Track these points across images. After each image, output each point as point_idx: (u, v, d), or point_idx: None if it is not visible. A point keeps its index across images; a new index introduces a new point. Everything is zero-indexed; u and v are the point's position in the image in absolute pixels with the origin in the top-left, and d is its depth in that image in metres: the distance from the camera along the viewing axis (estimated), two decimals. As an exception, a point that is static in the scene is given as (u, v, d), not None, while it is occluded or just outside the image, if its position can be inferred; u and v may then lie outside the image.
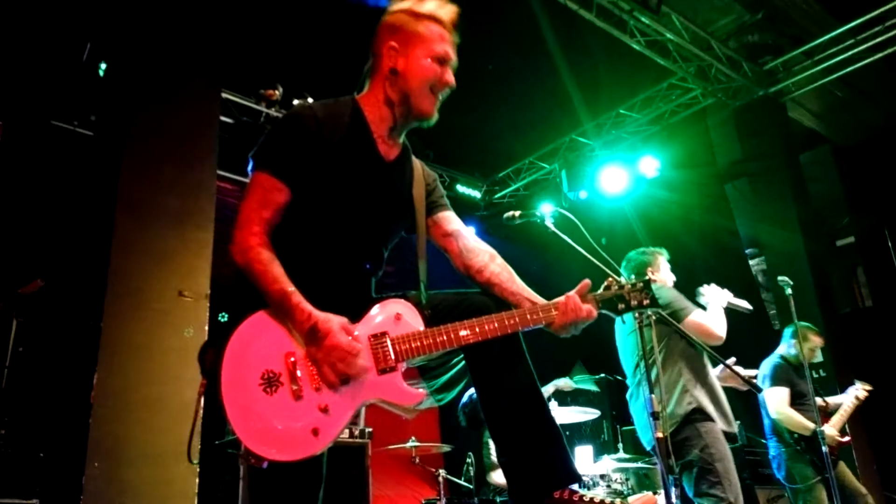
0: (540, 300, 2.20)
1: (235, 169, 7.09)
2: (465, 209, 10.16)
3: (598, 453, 6.23)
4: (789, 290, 5.06)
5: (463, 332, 2.05)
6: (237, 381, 1.91)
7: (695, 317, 4.00)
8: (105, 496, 4.14)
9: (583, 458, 6.18)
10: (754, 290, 8.82)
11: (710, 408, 3.80)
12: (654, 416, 2.62)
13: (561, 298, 2.15)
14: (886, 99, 8.70)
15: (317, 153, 2.10)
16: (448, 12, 2.23)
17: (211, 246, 4.93)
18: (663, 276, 4.40)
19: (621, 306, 2.17)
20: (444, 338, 2.05)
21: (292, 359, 1.96)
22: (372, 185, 2.20)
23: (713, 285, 4.33)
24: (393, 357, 2.03)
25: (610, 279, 2.22)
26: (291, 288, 1.98)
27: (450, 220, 2.38)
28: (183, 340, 4.60)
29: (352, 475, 5.43)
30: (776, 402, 5.46)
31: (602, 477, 5.33)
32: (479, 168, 10.23)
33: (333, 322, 1.97)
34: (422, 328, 2.08)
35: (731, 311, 4.24)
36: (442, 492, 5.61)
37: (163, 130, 5.08)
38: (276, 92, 7.51)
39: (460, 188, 10.03)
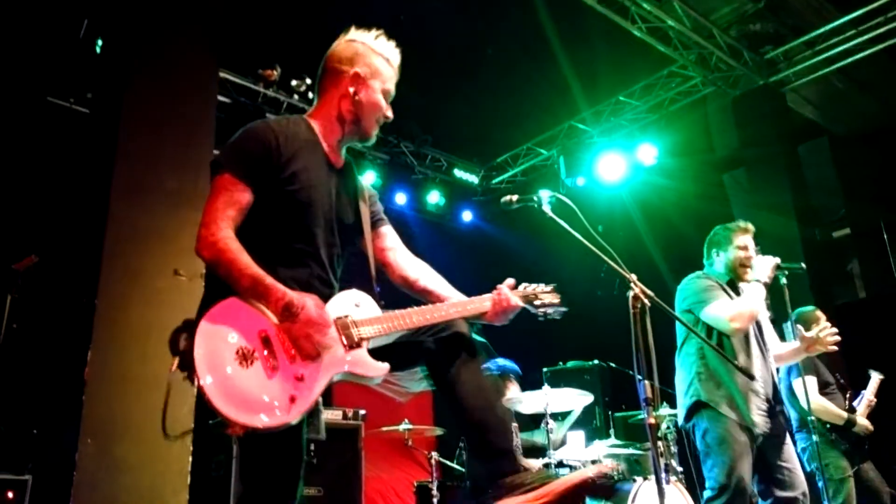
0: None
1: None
2: (462, 194, 10.16)
3: (590, 439, 6.26)
4: (784, 280, 5.02)
5: (415, 318, 2.32)
6: (211, 357, 1.98)
7: (708, 309, 3.89)
8: (98, 473, 4.16)
9: (574, 443, 6.20)
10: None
11: (720, 402, 3.79)
12: (647, 402, 2.63)
13: (493, 292, 2.49)
14: (886, 90, 8.69)
15: (277, 159, 2.26)
16: (398, 56, 2.52)
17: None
18: (730, 255, 4.13)
19: (537, 303, 2.58)
20: (399, 322, 2.31)
21: (265, 335, 2.08)
22: (328, 186, 2.40)
23: (763, 256, 4.11)
24: (357, 335, 2.24)
25: (525, 285, 2.60)
26: (262, 272, 2.12)
27: (388, 235, 2.66)
28: (177, 319, 4.60)
29: (345, 457, 5.46)
30: (810, 392, 5.17)
31: (593, 462, 5.36)
32: (477, 153, 10.19)
33: (307, 298, 2.15)
34: (380, 313, 2.33)
35: None
36: (434, 474, 5.63)
37: (159, 109, 5.05)
38: (275, 72, 7.47)
39: (458, 173, 9.96)
